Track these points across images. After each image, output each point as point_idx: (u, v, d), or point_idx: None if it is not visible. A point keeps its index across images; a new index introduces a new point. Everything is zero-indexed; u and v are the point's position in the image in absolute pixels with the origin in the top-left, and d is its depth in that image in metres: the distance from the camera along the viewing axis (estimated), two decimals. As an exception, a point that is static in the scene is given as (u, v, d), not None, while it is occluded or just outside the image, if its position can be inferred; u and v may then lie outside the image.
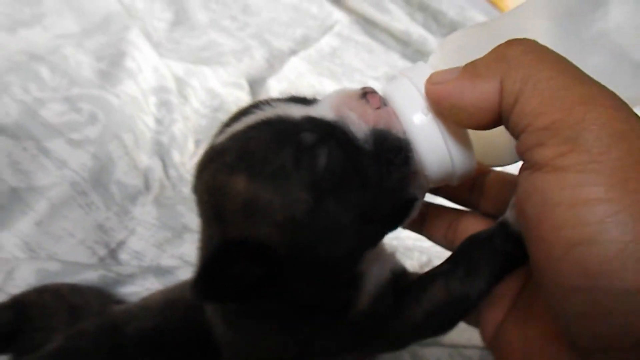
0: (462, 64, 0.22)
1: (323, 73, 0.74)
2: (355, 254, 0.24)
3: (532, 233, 0.18)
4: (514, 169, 0.24)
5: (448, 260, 0.27)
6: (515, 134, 0.19)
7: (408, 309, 0.26)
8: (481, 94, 0.20)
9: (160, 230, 0.48)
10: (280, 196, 0.22)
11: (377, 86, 0.25)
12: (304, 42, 0.80)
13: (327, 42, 0.82)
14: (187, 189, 0.50)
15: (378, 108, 0.24)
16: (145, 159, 0.52)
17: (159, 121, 0.55)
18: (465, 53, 0.24)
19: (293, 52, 0.76)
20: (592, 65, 0.21)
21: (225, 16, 0.78)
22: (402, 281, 0.28)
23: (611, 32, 0.22)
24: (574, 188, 0.16)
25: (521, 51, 0.19)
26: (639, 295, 0.15)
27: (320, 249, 0.23)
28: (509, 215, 0.26)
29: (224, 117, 0.53)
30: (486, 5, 1.10)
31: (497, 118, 0.20)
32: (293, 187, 0.22)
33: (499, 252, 0.25)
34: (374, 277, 0.26)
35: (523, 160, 0.19)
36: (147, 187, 0.51)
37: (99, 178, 0.48)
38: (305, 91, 0.64)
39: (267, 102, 0.25)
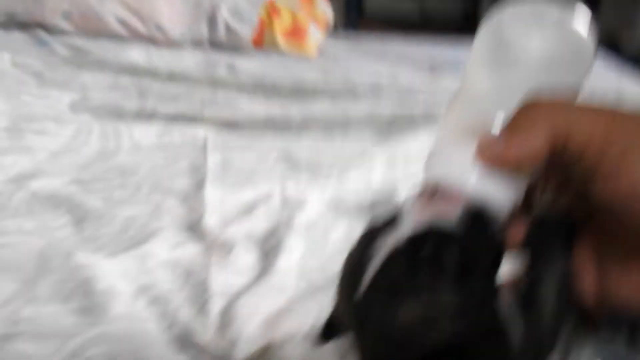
0: (469, 127, 0.29)
1: (234, 188, 0.77)
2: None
3: (634, 216, 0.25)
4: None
5: (530, 263, 0.33)
6: (572, 160, 0.26)
7: (541, 313, 0.32)
8: (538, 145, 0.27)
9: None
10: (439, 301, 0.26)
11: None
12: (196, 171, 0.82)
13: (213, 162, 0.85)
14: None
15: (446, 196, 0.29)
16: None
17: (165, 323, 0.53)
18: (466, 117, 0.32)
19: (201, 184, 0.78)
20: (518, 79, 0.30)
21: (111, 187, 0.76)
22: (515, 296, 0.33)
23: (522, 57, 0.32)
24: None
25: (545, 104, 0.27)
26: None
27: (482, 311, 0.28)
28: (540, 211, 0.33)
29: (194, 279, 0.57)
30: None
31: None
32: (443, 288, 0.26)
33: (556, 237, 0.32)
34: (506, 305, 0.32)
35: (588, 174, 0.26)
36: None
37: None
38: (238, 214, 0.68)
39: (368, 240, 0.29)
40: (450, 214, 0.28)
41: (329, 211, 0.73)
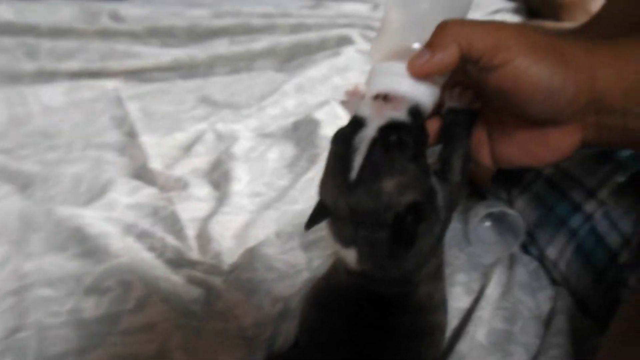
0: (397, 52, 0.41)
1: (166, 133, 0.82)
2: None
3: (514, 93, 0.37)
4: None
5: (443, 145, 0.45)
6: (474, 61, 0.37)
7: (452, 179, 0.44)
8: (452, 55, 0.37)
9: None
10: (406, 173, 0.38)
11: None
12: (121, 122, 0.85)
13: (134, 112, 0.88)
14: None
15: (393, 99, 0.41)
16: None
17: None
18: (392, 45, 0.43)
19: (132, 133, 0.82)
20: (423, 13, 0.42)
21: (41, 150, 0.78)
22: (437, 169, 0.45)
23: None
24: (522, 64, 0.36)
25: (453, 25, 0.37)
26: (562, 90, 0.37)
27: (426, 180, 0.40)
28: (452, 104, 0.47)
29: (163, 214, 0.65)
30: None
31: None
32: (407, 164, 0.39)
33: (463, 122, 0.45)
34: (431, 176, 0.43)
35: (484, 70, 0.37)
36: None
37: None
38: (178, 154, 0.75)
39: (345, 138, 0.39)
40: (399, 112, 0.39)
41: (259, 138, 0.83)
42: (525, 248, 0.68)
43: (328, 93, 0.94)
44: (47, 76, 0.94)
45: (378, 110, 0.39)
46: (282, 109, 0.90)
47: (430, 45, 0.38)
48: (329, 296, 0.50)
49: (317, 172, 0.72)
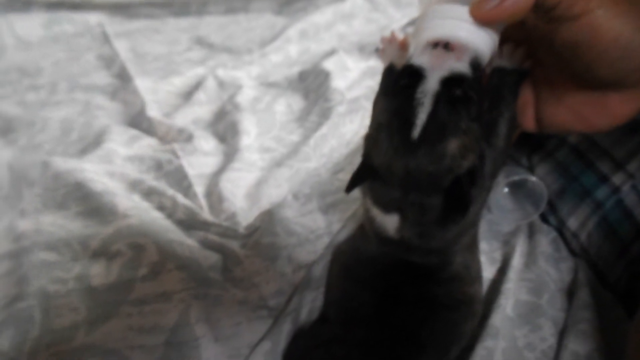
0: None
1: (162, 77, 0.75)
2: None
3: (587, 49, 0.33)
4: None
5: (488, 107, 0.41)
6: (548, 8, 0.33)
7: (497, 145, 0.41)
8: (526, 1, 0.33)
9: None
10: (470, 133, 0.35)
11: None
12: (111, 62, 0.77)
13: (123, 51, 0.80)
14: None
15: (454, 48, 0.35)
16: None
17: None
18: None
19: (124, 76, 0.74)
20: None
21: (20, 90, 0.69)
22: None
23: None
24: (603, 16, 0.32)
25: None
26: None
27: (482, 142, 0.37)
28: (501, 62, 0.43)
29: (168, 168, 0.59)
30: None
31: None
32: (471, 123, 0.35)
33: (512, 84, 0.41)
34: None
35: (558, 19, 0.33)
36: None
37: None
38: (178, 101, 0.69)
39: (405, 90, 0.35)
40: (461, 63, 0.35)
41: (263, 88, 0.76)
42: (543, 217, 0.66)
43: (333, 41, 0.88)
44: (20, 5, 0.83)
45: (439, 60, 0.35)
46: (285, 56, 0.84)
47: None
48: (359, 267, 0.47)
49: (330, 128, 0.68)
